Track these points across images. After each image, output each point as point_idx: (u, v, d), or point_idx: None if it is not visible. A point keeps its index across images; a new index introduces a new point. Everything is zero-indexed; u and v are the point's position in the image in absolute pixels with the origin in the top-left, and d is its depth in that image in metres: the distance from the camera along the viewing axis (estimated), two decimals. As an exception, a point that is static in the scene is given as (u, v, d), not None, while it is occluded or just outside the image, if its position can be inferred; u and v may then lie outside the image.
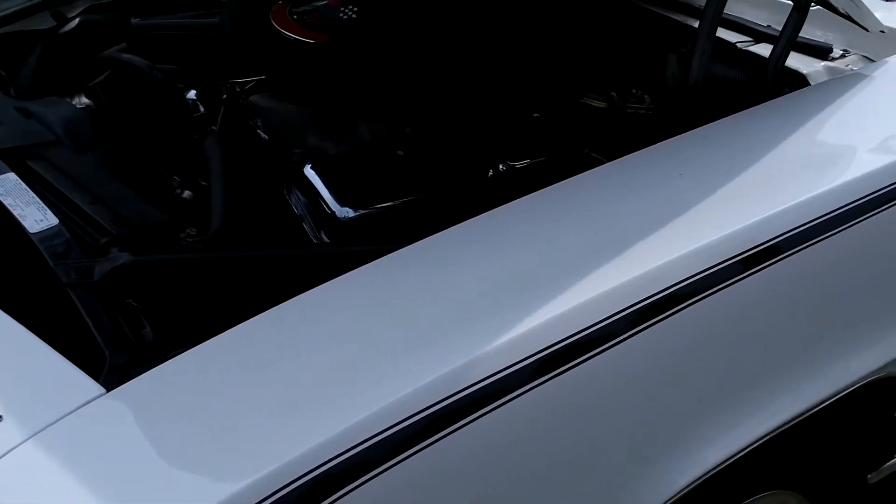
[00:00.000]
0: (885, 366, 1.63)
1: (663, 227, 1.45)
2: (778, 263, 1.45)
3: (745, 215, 1.47)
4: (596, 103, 2.01)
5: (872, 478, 1.91)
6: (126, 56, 2.03)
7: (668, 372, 1.39)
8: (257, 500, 1.02)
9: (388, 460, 1.10)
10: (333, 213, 1.72)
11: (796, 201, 1.51)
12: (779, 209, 1.49)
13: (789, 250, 1.46)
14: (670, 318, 1.34)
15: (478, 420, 1.16)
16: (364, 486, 1.08)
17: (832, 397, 1.57)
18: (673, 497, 1.40)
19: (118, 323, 1.31)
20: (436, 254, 1.40)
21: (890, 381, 1.68)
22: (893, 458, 1.87)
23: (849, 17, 1.87)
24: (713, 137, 1.67)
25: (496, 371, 1.18)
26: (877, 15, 2.01)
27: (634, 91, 2.01)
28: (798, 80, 1.90)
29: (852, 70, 1.87)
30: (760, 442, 1.49)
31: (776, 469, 1.64)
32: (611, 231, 1.46)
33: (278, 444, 1.08)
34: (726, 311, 1.42)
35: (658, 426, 1.40)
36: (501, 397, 1.18)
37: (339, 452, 1.07)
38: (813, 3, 1.83)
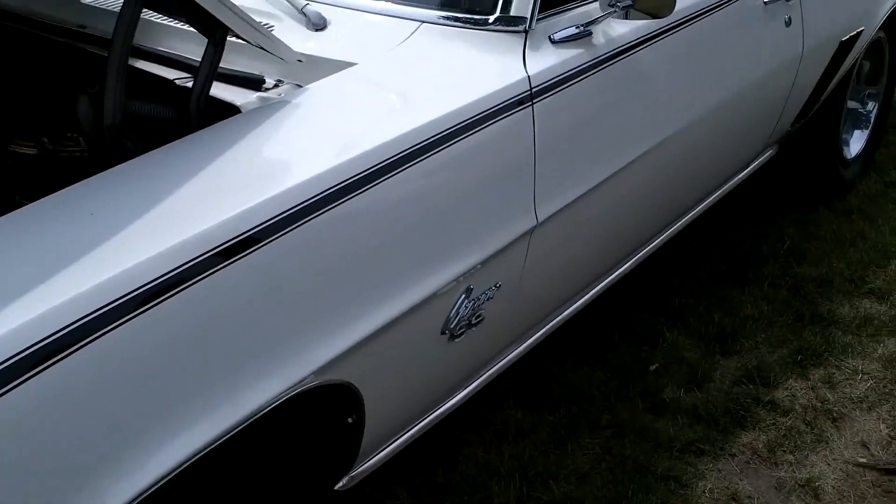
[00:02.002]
0: (317, 374, 1.68)
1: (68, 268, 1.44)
2: (192, 287, 1.48)
3: (154, 245, 1.48)
4: (25, 150, 1.93)
5: (344, 486, 1.97)
6: None
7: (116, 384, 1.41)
8: None
9: None
10: None
11: (216, 221, 1.54)
12: (193, 233, 1.51)
13: (202, 274, 1.49)
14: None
15: None
16: None
17: (262, 409, 1.59)
18: None
19: None
20: None
21: (329, 389, 1.74)
22: (356, 463, 1.94)
23: (263, 49, 1.93)
24: (130, 174, 1.66)
25: None
26: (309, 44, 2.11)
27: (70, 134, 1.96)
28: (232, 112, 1.93)
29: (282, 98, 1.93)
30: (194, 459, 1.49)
31: (224, 492, 1.65)
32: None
33: None
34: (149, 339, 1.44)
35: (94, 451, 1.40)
36: None
37: None
38: (232, 37, 1.88)
